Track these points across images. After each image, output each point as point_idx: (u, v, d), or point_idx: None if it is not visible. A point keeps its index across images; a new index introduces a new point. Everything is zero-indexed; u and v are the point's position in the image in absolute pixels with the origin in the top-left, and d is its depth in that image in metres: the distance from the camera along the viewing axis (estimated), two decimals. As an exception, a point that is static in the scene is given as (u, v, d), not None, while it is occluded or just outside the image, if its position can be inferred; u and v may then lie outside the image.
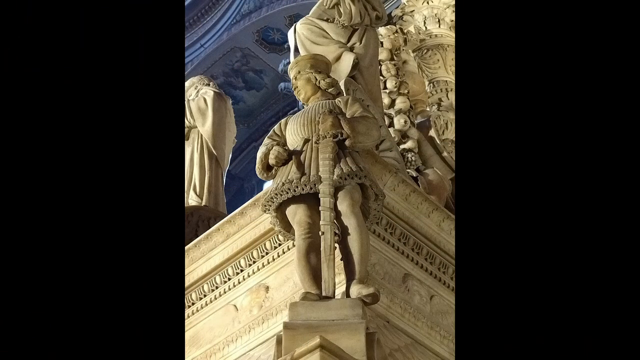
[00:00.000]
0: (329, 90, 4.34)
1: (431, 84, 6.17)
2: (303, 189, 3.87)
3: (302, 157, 4.00)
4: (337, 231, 3.76)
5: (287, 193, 3.89)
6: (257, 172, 4.17)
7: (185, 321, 4.65)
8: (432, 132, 5.64)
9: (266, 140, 4.19)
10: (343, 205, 3.81)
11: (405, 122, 5.39)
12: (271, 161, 4.04)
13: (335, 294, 3.67)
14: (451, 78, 6.19)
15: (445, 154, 5.53)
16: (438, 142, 5.60)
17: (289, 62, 4.60)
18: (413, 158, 5.33)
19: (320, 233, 3.74)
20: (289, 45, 5.39)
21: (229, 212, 4.96)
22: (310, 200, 3.87)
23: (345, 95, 4.44)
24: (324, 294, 3.64)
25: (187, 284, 4.67)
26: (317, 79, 4.35)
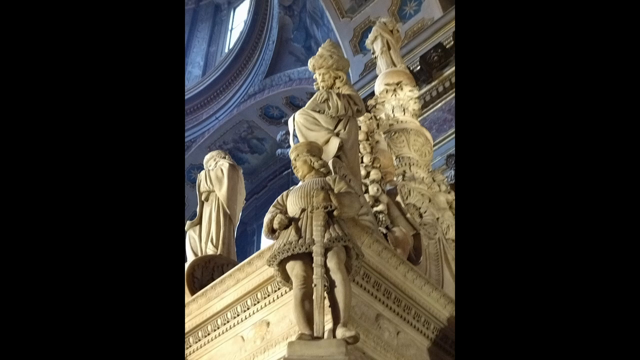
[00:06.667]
0: (321, 169, 4.39)
1: (397, 159, 6.22)
2: (300, 249, 3.90)
3: (299, 223, 4.03)
4: (326, 284, 3.79)
5: (287, 252, 3.92)
6: (264, 234, 4.18)
7: (202, 349, 4.62)
8: (398, 198, 5.69)
9: (271, 209, 4.22)
10: (331, 263, 3.84)
11: (378, 189, 5.44)
12: (275, 226, 4.07)
13: (325, 334, 3.65)
14: (413, 154, 6.24)
15: (408, 215, 5.57)
16: (403, 205, 5.64)
17: (285, 133, 4.68)
18: (383, 218, 5.36)
19: (313, 285, 3.77)
20: (286, 120, 5.43)
21: (239, 258, 4.94)
22: (306, 258, 3.91)
23: (333, 174, 4.48)
24: (315, 334, 3.67)
25: (204, 318, 4.68)
26: (312, 161, 4.40)
